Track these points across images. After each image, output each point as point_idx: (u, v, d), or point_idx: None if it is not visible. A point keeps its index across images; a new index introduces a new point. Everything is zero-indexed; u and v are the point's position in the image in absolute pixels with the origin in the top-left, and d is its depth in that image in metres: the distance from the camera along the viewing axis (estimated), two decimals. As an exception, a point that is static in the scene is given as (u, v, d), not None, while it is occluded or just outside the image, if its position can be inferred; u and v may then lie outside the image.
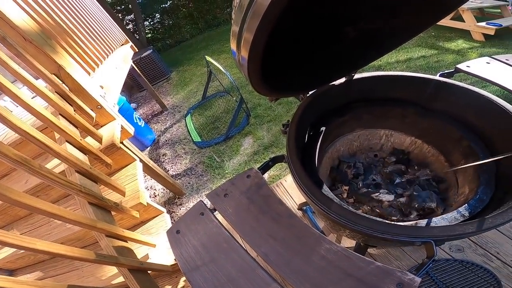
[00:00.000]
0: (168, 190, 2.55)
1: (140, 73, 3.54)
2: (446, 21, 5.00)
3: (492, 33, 4.46)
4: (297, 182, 0.78)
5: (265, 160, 2.62)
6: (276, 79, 0.86)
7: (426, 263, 0.57)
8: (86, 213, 1.11)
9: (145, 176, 2.69)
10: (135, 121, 3.03)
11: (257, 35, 0.56)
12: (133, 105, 4.35)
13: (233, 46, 0.66)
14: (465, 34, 4.81)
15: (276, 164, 0.91)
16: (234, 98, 3.37)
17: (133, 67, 3.28)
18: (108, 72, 2.03)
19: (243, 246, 0.69)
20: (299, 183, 0.77)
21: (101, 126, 1.64)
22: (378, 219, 0.75)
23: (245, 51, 0.61)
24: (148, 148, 3.33)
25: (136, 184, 1.53)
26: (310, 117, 1.09)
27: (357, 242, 1.09)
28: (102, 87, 1.70)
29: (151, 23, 8.06)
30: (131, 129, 1.73)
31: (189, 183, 2.65)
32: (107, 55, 2.15)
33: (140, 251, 1.47)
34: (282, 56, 0.89)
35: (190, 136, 3.24)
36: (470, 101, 0.97)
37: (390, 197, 1.08)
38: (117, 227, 1.18)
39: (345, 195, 1.14)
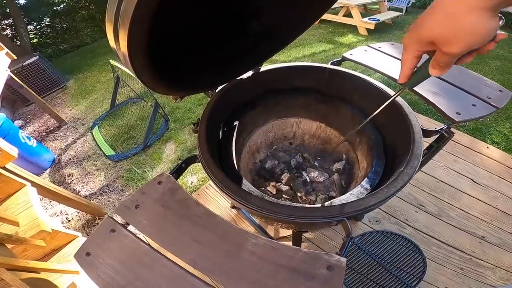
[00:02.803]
0: (84, 213, 2.23)
1: (23, 84, 2.94)
2: (339, 18, 5.76)
3: (372, 27, 5.32)
4: (213, 180, 0.75)
5: (190, 166, 2.53)
6: (177, 75, 0.79)
7: (346, 241, 0.62)
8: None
9: (50, 201, 2.38)
10: (23, 141, 2.53)
11: (133, 24, 0.49)
12: (18, 122, 3.61)
13: (111, 42, 0.57)
14: (354, 29, 5.61)
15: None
16: (149, 104, 3.12)
17: (11, 77, 2.70)
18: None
19: (168, 256, 0.64)
20: (215, 181, 0.74)
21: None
22: (296, 205, 0.78)
23: (124, 46, 0.52)
24: (48, 170, 2.81)
25: (32, 211, 1.44)
26: (222, 113, 1.07)
27: (292, 230, 1.12)
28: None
29: (38, 27, 6.93)
30: (13, 151, 1.48)
31: (108, 201, 2.36)
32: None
33: (63, 281, 1.42)
34: (183, 52, 0.83)
35: (101, 150, 2.87)
36: (354, 84, 1.10)
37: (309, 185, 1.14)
38: (18, 259, 1.14)
39: (269, 188, 1.16)
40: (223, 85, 1.03)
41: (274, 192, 1.12)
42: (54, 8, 6.95)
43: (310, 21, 1.01)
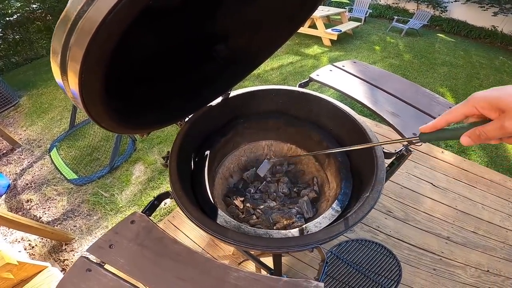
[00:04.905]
0: (48, 239, 2.08)
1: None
2: (305, 29, 6.03)
3: (335, 38, 5.65)
4: (189, 218, 0.74)
5: (162, 186, 2.44)
6: (141, 111, 0.77)
7: (322, 267, 0.65)
8: None
9: (9, 229, 2.20)
10: (-28, 167, 2.32)
11: (85, 62, 0.43)
12: (-35, 146, 3.26)
13: (56, 75, 0.50)
14: (319, 40, 5.90)
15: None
16: (114, 122, 2.99)
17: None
18: None
19: None
20: (191, 219, 0.73)
21: None
22: (273, 234, 0.79)
23: (75, 84, 0.47)
24: (3, 197, 2.57)
25: (-8, 245, 1.40)
26: (192, 143, 1.06)
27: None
28: None
29: None
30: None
31: (75, 226, 2.23)
32: None
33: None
34: (145, 84, 0.81)
35: (61, 174, 2.68)
36: (321, 107, 1.15)
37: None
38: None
39: (242, 211, 1.17)
40: (193, 114, 1.02)
41: (241, 207, 1.14)
42: (7, 18, 6.42)
43: (276, 44, 1.03)
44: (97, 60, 0.46)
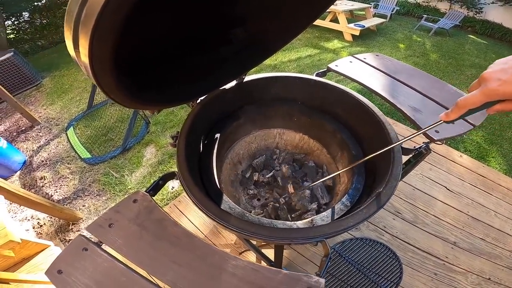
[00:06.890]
0: (57, 218, 2.12)
1: (-7, 81, 2.77)
2: (326, 23, 5.86)
3: (357, 33, 5.45)
4: (192, 201, 0.72)
5: (172, 170, 2.48)
6: (152, 87, 0.75)
7: (324, 262, 0.62)
8: None
9: (20, 206, 2.26)
10: (-9, 142, 2.37)
11: (94, 36, 0.46)
12: (-13, 121, 3.40)
13: (69, 48, 0.53)
14: (339, 35, 5.73)
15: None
16: (129, 104, 3.05)
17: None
18: None
19: (146, 277, 0.61)
20: (194, 201, 0.71)
21: None
22: (277, 224, 0.76)
23: (85, 57, 0.48)
24: (18, 173, 2.64)
25: (-2, 221, 1.40)
26: (203, 125, 1.03)
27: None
28: None
29: (16, 22, 6.63)
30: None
31: (83, 205, 2.27)
32: None
33: (36, 291, 1.39)
34: (158, 61, 0.79)
35: (76, 152, 2.74)
36: (338, 97, 1.10)
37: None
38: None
39: (251, 197, 1.14)
40: (205, 96, 1.00)
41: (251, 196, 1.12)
42: (35, 3, 6.65)
43: (296, 31, 1.00)
44: (107, 30, 0.47)
